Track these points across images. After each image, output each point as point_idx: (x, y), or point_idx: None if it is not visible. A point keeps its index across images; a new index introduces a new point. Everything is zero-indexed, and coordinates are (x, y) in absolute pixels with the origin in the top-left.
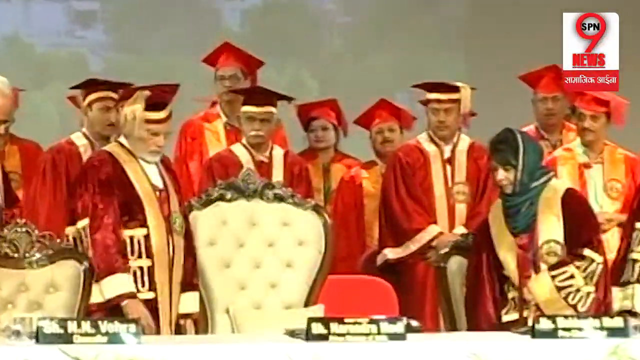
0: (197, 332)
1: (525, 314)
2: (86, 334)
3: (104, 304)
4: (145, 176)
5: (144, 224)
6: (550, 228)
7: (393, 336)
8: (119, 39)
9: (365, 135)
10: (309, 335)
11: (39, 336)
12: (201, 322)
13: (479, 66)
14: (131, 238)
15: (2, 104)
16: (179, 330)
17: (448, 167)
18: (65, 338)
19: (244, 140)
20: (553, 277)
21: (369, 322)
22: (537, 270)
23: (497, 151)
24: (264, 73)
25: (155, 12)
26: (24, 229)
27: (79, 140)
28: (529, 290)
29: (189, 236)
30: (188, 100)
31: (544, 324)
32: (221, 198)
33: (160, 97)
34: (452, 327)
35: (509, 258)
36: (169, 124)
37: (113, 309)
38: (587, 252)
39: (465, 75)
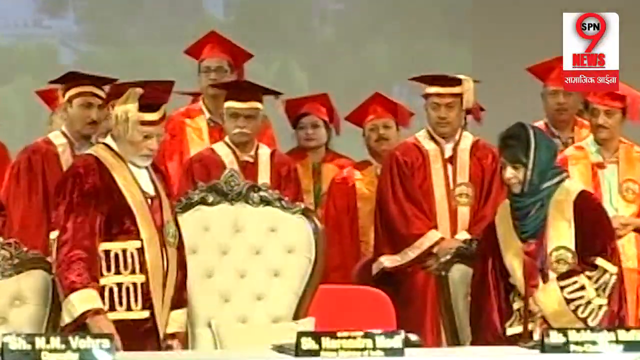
0: None
1: (530, 326)
2: (55, 351)
3: (71, 324)
4: (136, 183)
5: (136, 236)
6: (561, 234)
7: (390, 351)
8: (91, 28)
9: (359, 132)
10: (298, 351)
11: (3, 353)
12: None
13: (485, 57)
14: (124, 251)
15: None
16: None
17: (449, 167)
18: (33, 355)
19: (227, 139)
20: (562, 287)
21: (364, 336)
22: (545, 279)
23: (506, 147)
24: (249, 65)
25: (131, 0)
26: None
27: (58, 139)
28: (535, 301)
29: (181, 246)
30: None
31: (554, 338)
32: (202, 202)
33: (154, 97)
34: (455, 341)
35: (515, 265)
36: (163, 126)
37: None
38: (599, 261)
39: (470, 66)
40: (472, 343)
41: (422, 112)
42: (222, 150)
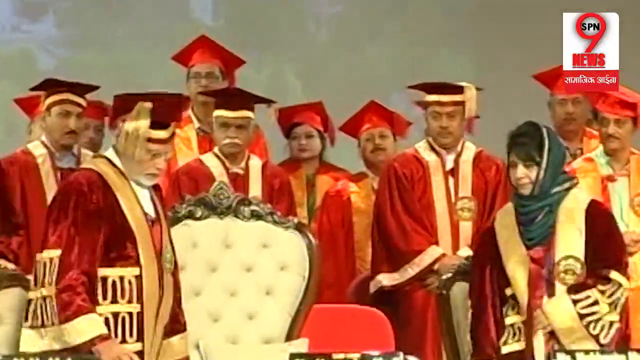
0: None
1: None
2: None
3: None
4: (138, 203)
5: (136, 262)
6: (571, 242)
7: None
8: (72, 33)
9: (355, 143)
10: None
11: None
12: None
13: (488, 64)
14: (121, 279)
15: None
16: None
17: (451, 180)
18: None
19: (216, 149)
20: (575, 302)
21: (360, 358)
22: (550, 290)
23: (517, 145)
24: (240, 72)
25: (114, 2)
26: None
27: (37, 149)
28: (544, 315)
29: (175, 269)
30: None
31: None
32: (190, 216)
33: (165, 113)
34: None
35: (518, 273)
36: (172, 144)
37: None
38: (614, 274)
39: (472, 74)
40: (472, 357)
41: (422, 121)
42: (211, 161)
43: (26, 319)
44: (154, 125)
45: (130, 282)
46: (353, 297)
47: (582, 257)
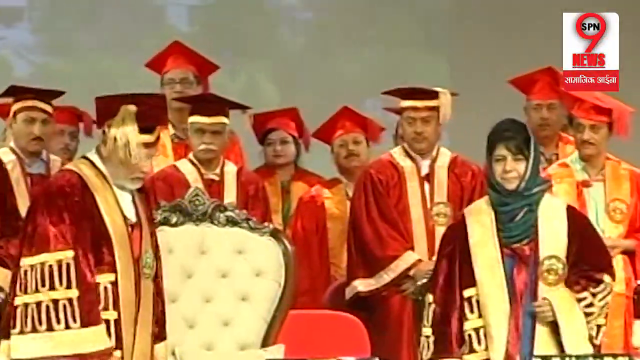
0: None
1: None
2: None
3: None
4: (118, 208)
5: (112, 268)
6: (553, 242)
7: None
8: (48, 39)
9: (328, 149)
10: None
11: None
12: None
13: (463, 69)
14: (97, 285)
15: None
16: None
17: (426, 185)
18: None
19: (191, 155)
20: (578, 301)
21: None
22: (533, 290)
23: (506, 138)
24: (214, 78)
25: (90, 9)
26: None
27: (6, 155)
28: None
29: (159, 275)
30: None
31: None
32: (165, 222)
33: (151, 118)
34: None
35: (486, 276)
36: (156, 147)
37: None
38: (606, 277)
39: (447, 79)
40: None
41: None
42: (186, 167)
43: (13, 326)
44: (141, 130)
45: (106, 289)
46: (329, 303)
47: (564, 257)
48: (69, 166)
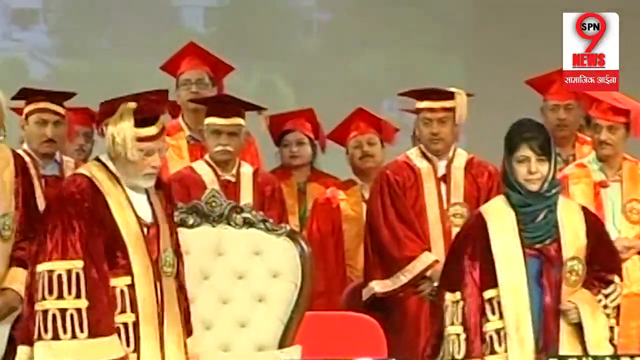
0: None
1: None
2: None
3: None
4: (132, 209)
5: (127, 271)
6: (576, 243)
7: None
8: (64, 41)
9: (343, 150)
10: None
11: None
12: None
13: (479, 70)
14: (113, 289)
15: None
16: None
17: (443, 186)
18: None
19: (207, 157)
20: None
21: None
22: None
23: (529, 139)
24: (230, 79)
25: (106, 11)
26: None
27: None
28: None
29: (180, 272)
30: None
31: None
32: (182, 224)
33: (149, 109)
34: None
35: (509, 277)
36: (163, 140)
37: None
38: (617, 279)
39: (464, 79)
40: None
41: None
42: (202, 169)
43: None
44: (140, 123)
45: (122, 292)
46: (346, 305)
47: (584, 259)
48: (80, 170)
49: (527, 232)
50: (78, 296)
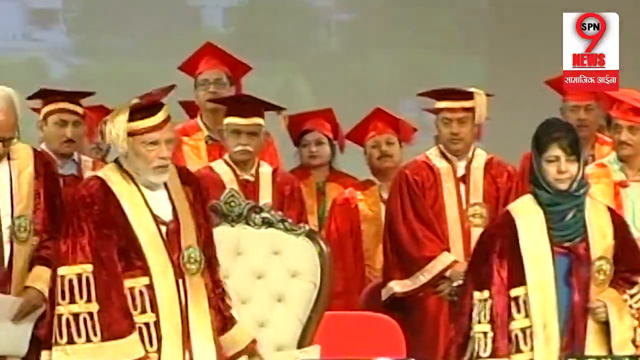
0: None
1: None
2: None
3: None
4: (147, 208)
5: (145, 271)
6: (603, 243)
7: None
8: (83, 41)
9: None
10: None
11: None
12: None
13: (499, 70)
14: (131, 290)
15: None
16: None
17: (462, 186)
18: None
19: (226, 156)
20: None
21: None
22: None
23: (558, 139)
24: (249, 79)
25: (125, 10)
26: None
27: None
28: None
29: (213, 266)
30: None
31: None
32: None
33: (147, 101)
34: None
35: (537, 276)
36: (169, 129)
37: None
38: None
39: (483, 80)
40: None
41: (431, 128)
42: (221, 168)
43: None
44: (139, 116)
45: (141, 293)
46: (365, 305)
47: (611, 259)
48: (97, 172)
49: (556, 230)
50: (89, 300)
